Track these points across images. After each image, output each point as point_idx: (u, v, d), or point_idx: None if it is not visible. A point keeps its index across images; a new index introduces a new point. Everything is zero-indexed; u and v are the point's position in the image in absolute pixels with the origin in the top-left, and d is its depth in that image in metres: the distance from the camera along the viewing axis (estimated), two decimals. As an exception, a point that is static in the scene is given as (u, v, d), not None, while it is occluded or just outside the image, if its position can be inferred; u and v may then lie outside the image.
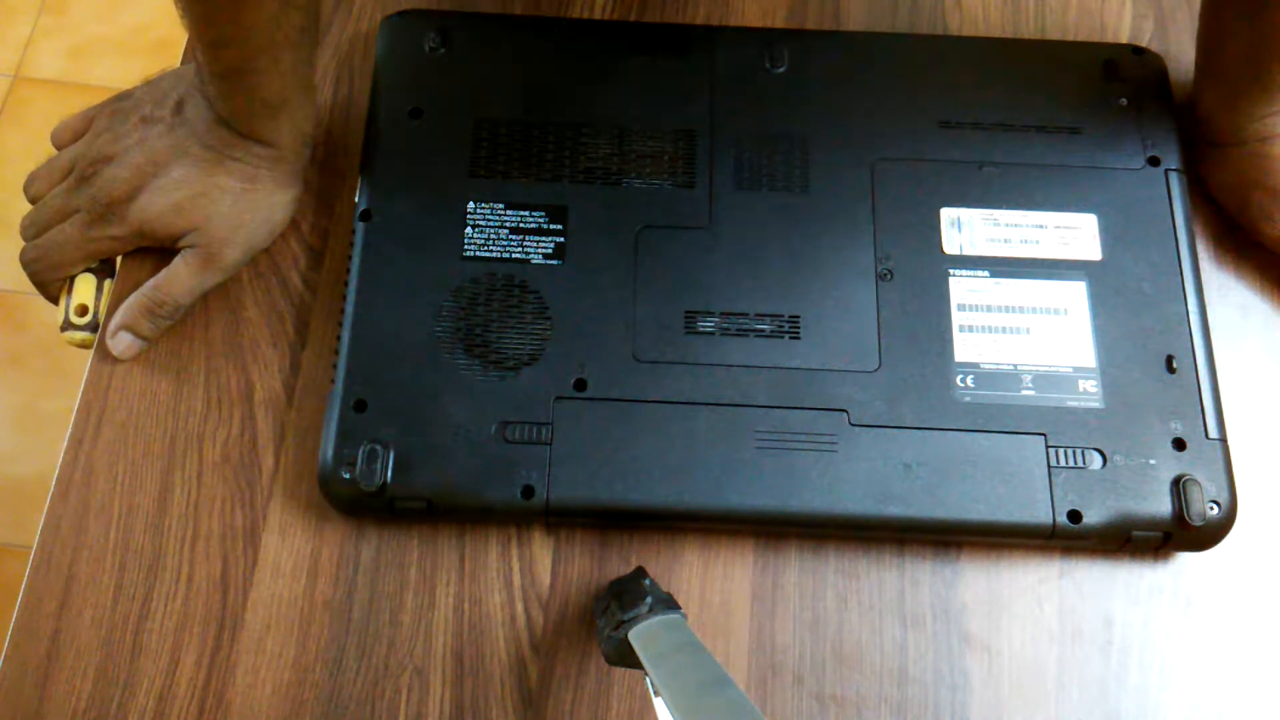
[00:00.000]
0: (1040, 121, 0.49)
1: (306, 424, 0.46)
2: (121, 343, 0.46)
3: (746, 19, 0.54)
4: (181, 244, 0.46)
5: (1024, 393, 0.44)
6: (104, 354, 0.47)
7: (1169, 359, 0.45)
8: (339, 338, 0.45)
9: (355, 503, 0.43)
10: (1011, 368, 0.45)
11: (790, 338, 0.45)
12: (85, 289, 0.48)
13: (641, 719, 0.42)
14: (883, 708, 0.42)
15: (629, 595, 0.39)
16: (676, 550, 0.44)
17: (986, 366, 0.44)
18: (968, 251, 0.47)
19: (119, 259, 0.48)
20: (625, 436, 0.43)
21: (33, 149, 1.29)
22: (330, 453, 0.43)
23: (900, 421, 0.43)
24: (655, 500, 0.42)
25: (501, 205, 0.47)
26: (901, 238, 0.47)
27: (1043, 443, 0.43)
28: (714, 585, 0.44)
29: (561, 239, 0.46)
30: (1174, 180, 0.48)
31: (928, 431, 0.43)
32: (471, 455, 0.43)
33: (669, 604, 0.39)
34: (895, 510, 0.42)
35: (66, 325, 0.48)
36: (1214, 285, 0.49)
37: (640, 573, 0.40)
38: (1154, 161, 0.48)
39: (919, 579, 0.44)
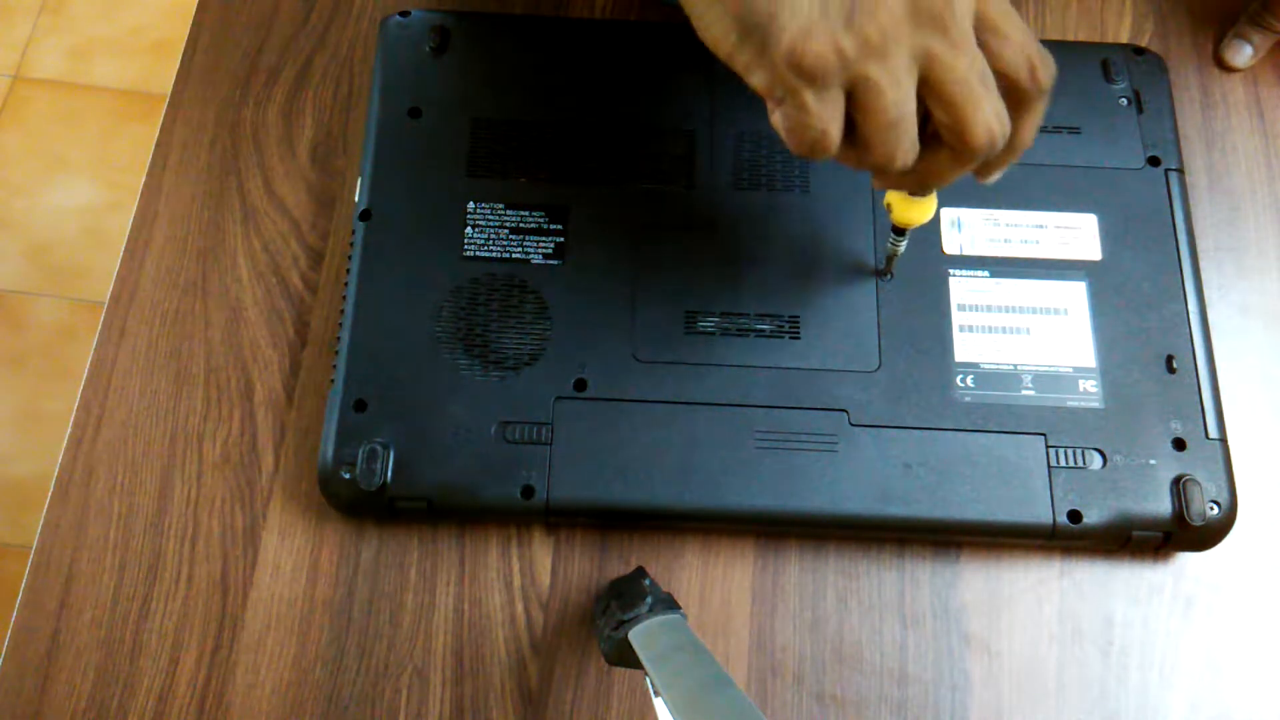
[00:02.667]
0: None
1: (306, 424, 0.46)
2: None
3: (746, 19, 0.54)
4: None
5: (1024, 393, 0.44)
6: (105, 353, 0.47)
7: (1169, 359, 0.45)
8: (339, 338, 0.45)
9: (355, 503, 0.43)
10: (1011, 368, 0.45)
11: (790, 338, 0.45)
12: None
13: (641, 719, 0.42)
14: (883, 708, 0.42)
15: (629, 595, 0.39)
16: (676, 550, 0.44)
17: (986, 366, 0.44)
18: (968, 251, 0.47)
19: None
20: (625, 436, 0.43)
21: (33, 149, 1.29)
22: (330, 453, 0.43)
23: (900, 421, 0.43)
24: (655, 500, 0.42)
25: (501, 205, 0.47)
26: (901, 238, 0.47)
27: (1043, 443, 0.43)
28: (714, 585, 0.44)
29: (561, 239, 0.46)
30: (1174, 180, 0.48)
31: (928, 431, 0.43)
32: (471, 455, 0.43)
33: (669, 604, 0.39)
34: (895, 510, 0.42)
35: None
36: (1214, 285, 0.49)
37: (640, 573, 0.40)
38: (1154, 161, 0.48)
39: (919, 579, 0.44)
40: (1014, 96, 0.35)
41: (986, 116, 0.34)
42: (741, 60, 0.34)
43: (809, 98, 0.33)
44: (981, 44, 0.34)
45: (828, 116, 0.34)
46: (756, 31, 0.33)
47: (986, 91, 0.34)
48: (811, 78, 0.33)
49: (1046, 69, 0.35)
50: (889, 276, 0.46)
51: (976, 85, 0.34)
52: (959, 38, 0.33)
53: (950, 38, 0.33)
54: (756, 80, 0.34)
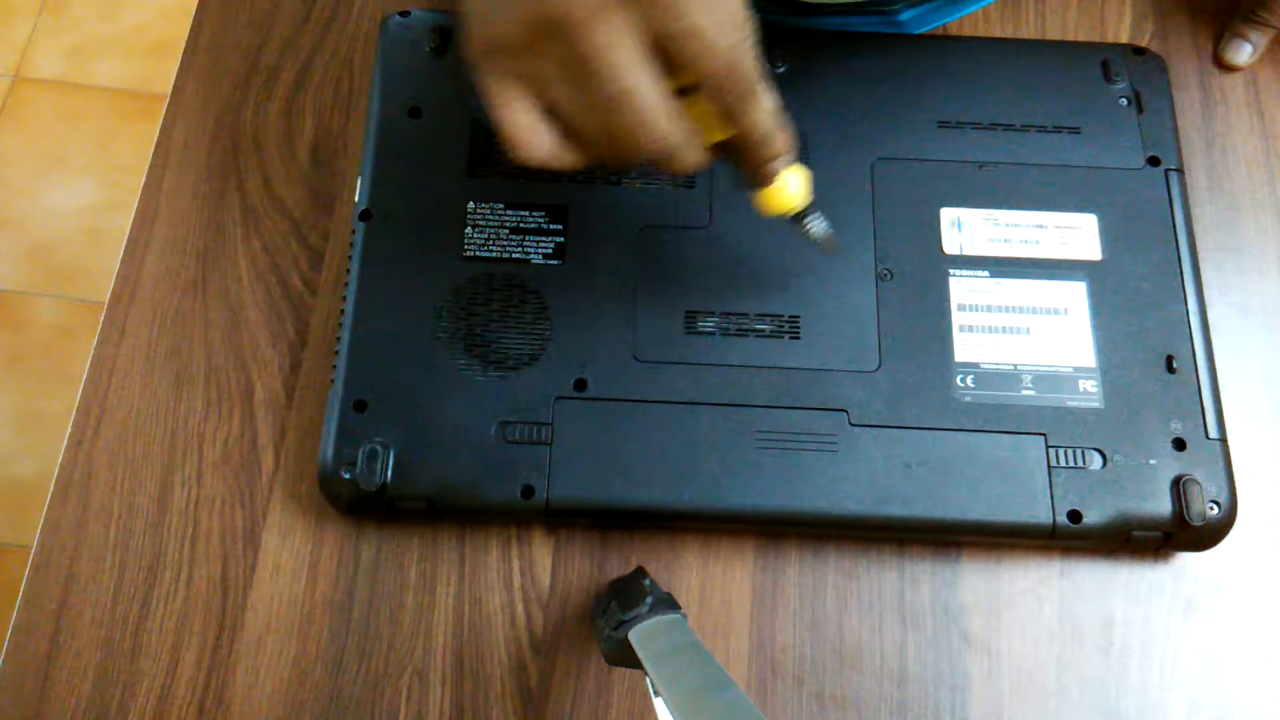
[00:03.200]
0: (1040, 121, 0.49)
1: (306, 424, 0.46)
2: None
3: (746, 19, 0.54)
4: None
5: (1024, 393, 0.44)
6: (104, 353, 0.47)
7: (1169, 359, 0.45)
8: (339, 338, 0.45)
9: (355, 503, 0.43)
10: (1011, 368, 0.45)
11: (790, 338, 0.45)
12: None
13: (641, 719, 0.42)
14: (883, 708, 0.42)
15: (629, 595, 0.39)
16: (676, 550, 0.44)
17: (986, 366, 0.44)
18: (968, 251, 0.47)
19: None
20: (625, 436, 0.43)
21: (33, 149, 1.29)
22: (330, 453, 0.43)
23: (900, 421, 0.43)
24: (655, 500, 0.42)
25: (501, 205, 0.47)
26: (901, 238, 0.47)
27: (1043, 443, 0.43)
28: (714, 585, 0.44)
29: (561, 239, 0.46)
30: (1174, 180, 0.48)
31: (928, 431, 0.43)
32: (471, 455, 0.43)
33: (669, 604, 0.39)
34: (895, 510, 0.42)
35: None
36: (1214, 285, 0.49)
37: (640, 573, 0.40)
38: (1154, 161, 0.48)
39: (919, 579, 0.44)
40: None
41: None
42: None
43: None
44: None
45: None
46: None
47: None
48: None
49: None
50: (835, 252, 0.45)
51: None
52: None
53: None
54: None
